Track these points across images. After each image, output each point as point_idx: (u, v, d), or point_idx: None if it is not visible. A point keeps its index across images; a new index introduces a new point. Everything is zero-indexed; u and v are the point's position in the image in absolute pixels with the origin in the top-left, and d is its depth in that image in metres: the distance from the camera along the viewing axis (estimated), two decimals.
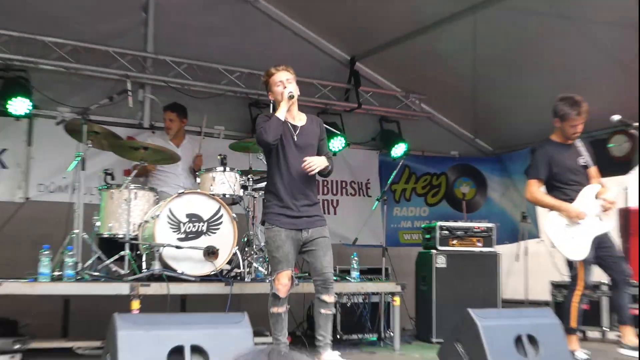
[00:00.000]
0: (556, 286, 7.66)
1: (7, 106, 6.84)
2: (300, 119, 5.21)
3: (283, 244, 4.96)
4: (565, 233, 5.66)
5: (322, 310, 5.09)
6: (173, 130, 7.20)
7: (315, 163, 4.94)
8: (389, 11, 7.65)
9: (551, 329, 4.43)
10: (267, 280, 5.98)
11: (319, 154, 5.15)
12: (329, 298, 5.10)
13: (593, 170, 5.87)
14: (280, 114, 4.98)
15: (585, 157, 5.87)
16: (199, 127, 7.47)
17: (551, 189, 5.87)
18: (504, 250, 8.21)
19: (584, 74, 7.27)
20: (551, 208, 5.81)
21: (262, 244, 6.44)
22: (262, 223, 5.25)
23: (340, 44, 8.80)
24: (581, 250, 5.60)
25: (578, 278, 5.69)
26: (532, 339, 4.30)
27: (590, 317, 7.43)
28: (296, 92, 5.10)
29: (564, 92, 5.90)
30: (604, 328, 7.45)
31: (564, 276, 6.59)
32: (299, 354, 1.03)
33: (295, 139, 5.06)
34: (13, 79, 7.04)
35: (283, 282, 4.94)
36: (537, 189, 5.86)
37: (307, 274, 5.69)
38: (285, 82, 5.07)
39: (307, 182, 5.13)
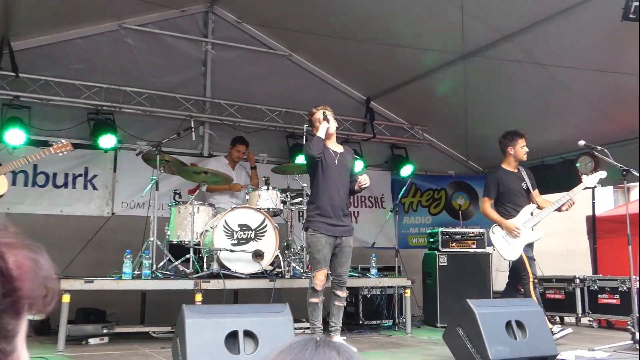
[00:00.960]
0: (539, 280, 7.56)
1: (98, 141, 6.92)
2: (339, 148, 5.30)
3: (323, 247, 4.97)
4: (504, 240, 5.85)
5: (336, 303, 5.18)
6: (241, 159, 7.23)
7: (368, 181, 5.12)
8: (397, 61, 7.66)
9: (535, 316, 4.39)
10: (304, 277, 6.01)
11: (351, 175, 5.31)
12: (342, 294, 5.19)
13: (534, 192, 6.04)
14: (320, 132, 5.07)
15: (527, 182, 6.02)
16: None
17: (498, 206, 6.04)
18: (494, 251, 8.14)
19: (553, 108, 7.22)
20: (494, 221, 5.98)
21: (299, 247, 6.46)
22: (306, 229, 5.27)
23: (358, 88, 8.82)
24: (514, 253, 5.82)
25: (527, 271, 5.76)
26: (519, 324, 4.26)
27: (567, 305, 7.37)
28: (333, 122, 5.21)
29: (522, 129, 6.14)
30: (578, 314, 7.32)
31: (545, 271, 6.60)
32: (344, 343, 1.00)
33: (336, 163, 5.13)
34: (102, 120, 7.11)
35: (320, 279, 4.95)
36: (487, 206, 6.04)
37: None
38: (322, 109, 5.23)
39: (344, 198, 5.20)
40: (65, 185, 7.12)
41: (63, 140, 5.41)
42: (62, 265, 6.06)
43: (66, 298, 4.94)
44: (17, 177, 6.85)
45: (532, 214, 5.90)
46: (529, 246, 5.87)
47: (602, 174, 5.70)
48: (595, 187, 6.14)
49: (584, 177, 5.76)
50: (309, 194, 5.43)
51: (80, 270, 5.93)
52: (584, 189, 5.86)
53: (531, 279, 5.69)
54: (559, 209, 5.81)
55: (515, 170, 6.09)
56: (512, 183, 5.99)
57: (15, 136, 6.28)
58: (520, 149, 6.00)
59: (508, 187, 5.97)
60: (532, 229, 5.87)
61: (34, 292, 0.67)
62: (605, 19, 5.22)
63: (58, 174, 7.10)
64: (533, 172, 6.28)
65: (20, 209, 6.79)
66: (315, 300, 4.98)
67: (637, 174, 5.40)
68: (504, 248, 5.87)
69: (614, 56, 6.05)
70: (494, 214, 6.01)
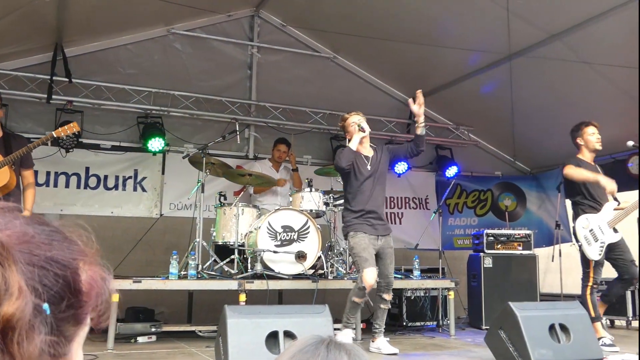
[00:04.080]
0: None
1: (147, 145, 7.03)
2: (370, 152, 5.28)
3: (367, 246, 4.99)
4: (589, 237, 5.48)
5: (382, 305, 5.19)
6: (282, 158, 7.28)
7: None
8: (440, 62, 7.63)
9: (580, 319, 4.30)
10: (346, 278, 6.02)
11: (401, 150, 5.59)
12: (388, 297, 5.20)
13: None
14: (353, 144, 5.08)
15: None
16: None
17: (575, 198, 5.67)
18: (541, 253, 8.01)
19: (602, 107, 7.01)
20: (586, 179, 5.51)
21: (342, 249, 6.47)
22: (346, 235, 5.25)
23: (402, 88, 8.78)
24: (597, 253, 5.46)
25: (589, 275, 5.53)
26: (563, 327, 4.18)
27: (617, 308, 7.19)
28: (367, 127, 5.17)
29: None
30: (629, 317, 7.14)
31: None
32: (354, 345, 1.01)
33: (369, 168, 5.14)
34: (151, 124, 7.24)
35: (370, 276, 4.88)
36: (571, 167, 5.55)
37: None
38: (357, 122, 5.16)
39: (380, 204, 5.22)
40: (116, 187, 7.29)
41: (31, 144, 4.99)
42: (112, 265, 6.12)
43: (115, 297, 5.00)
44: (70, 180, 7.08)
45: (615, 209, 5.53)
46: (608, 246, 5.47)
47: None
48: None
49: None
50: (346, 200, 5.36)
51: (130, 269, 6.07)
52: None
53: (590, 284, 5.50)
54: None
55: (592, 164, 5.70)
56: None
57: (68, 140, 6.45)
58: (590, 137, 5.63)
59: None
60: (615, 230, 5.49)
61: (96, 308, 0.70)
62: None
63: (109, 177, 7.28)
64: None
65: (73, 210, 6.99)
66: (359, 300, 4.97)
67: None
68: (588, 246, 5.49)
69: None
70: (584, 171, 5.49)
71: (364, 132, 5.12)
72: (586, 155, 5.70)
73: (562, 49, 6.42)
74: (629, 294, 7.15)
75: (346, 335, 4.89)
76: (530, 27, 6.21)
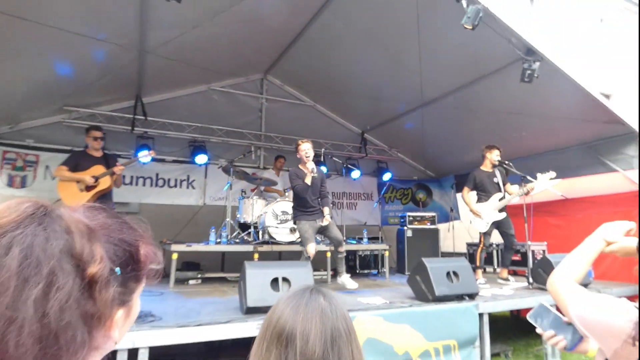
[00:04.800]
0: (469, 245, 7.48)
1: (195, 159, 7.03)
2: (310, 170, 4.83)
3: (308, 229, 4.81)
4: (479, 218, 5.52)
5: (339, 255, 5.02)
6: (282, 167, 7.19)
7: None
8: (381, 108, 7.63)
9: (465, 268, 4.32)
10: (321, 243, 5.97)
11: (324, 184, 4.98)
12: (342, 249, 5.00)
13: (507, 186, 5.60)
14: (307, 180, 4.77)
15: (497, 178, 5.64)
16: (287, 168, 7.50)
17: (477, 194, 5.65)
18: (442, 227, 8.05)
19: (479, 138, 6.83)
20: (467, 206, 5.63)
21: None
22: (294, 222, 4.98)
23: (357, 124, 8.80)
24: (484, 227, 5.51)
25: (480, 241, 5.58)
26: (455, 273, 4.21)
27: (488, 260, 7.28)
28: (311, 156, 4.76)
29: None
30: (494, 267, 7.23)
31: (474, 239, 6.46)
32: (329, 290, 0.99)
33: (309, 182, 4.82)
34: (198, 146, 7.20)
35: (311, 252, 4.74)
36: (466, 194, 5.62)
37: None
38: (307, 151, 4.75)
39: (315, 199, 4.96)
40: (175, 186, 7.22)
41: (120, 164, 4.98)
42: (172, 235, 6.19)
43: (175, 256, 5.02)
44: (146, 181, 7.00)
45: (500, 199, 5.47)
46: (495, 223, 5.47)
47: (552, 174, 5.12)
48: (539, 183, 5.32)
49: (538, 175, 5.13)
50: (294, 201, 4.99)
51: (184, 238, 6.03)
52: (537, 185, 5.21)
53: (481, 246, 5.53)
54: (525, 194, 5.25)
55: (490, 170, 5.62)
56: (484, 179, 5.56)
57: (144, 156, 6.41)
58: (493, 156, 5.61)
59: (482, 181, 5.55)
60: (499, 211, 5.46)
61: (149, 271, 0.71)
62: (512, 81, 5.14)
63: (171, 179, 7.21)
64: (457, 179, 5.97)
65: (148, 200, 6.92)
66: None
67: (535, 180, 5.21)
68: (478, 223, 5.51)
69: (516, 104, 5.98)
70: (469, 201, 5.55)
71: (314, 173, 4.76)
72: (487, 167, 5.69)
73: (452, 101, 6.49)
74: (494, 252, 7.22)
75: (346, 276, 4.86)
76: (433, 87, 6.25)
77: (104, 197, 4.85)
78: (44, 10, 4.07)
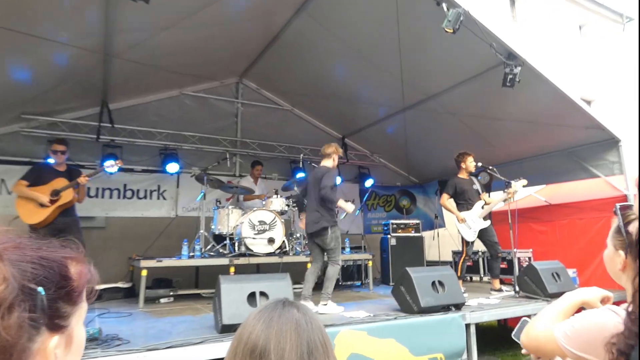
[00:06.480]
0: (455, 253, 7.57)
1: (166, 168, 6.93)
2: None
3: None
4: (467, 227, 5.58)
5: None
6: (258, 175, 7.11)
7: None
8: (361, 112, 7.69)
9: (450, 277, 4.37)
10: (301, 254, 5.95)
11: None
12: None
13: (483, 194, 5.74)
14: (343, 205, 4.71)
15: (477, 185, 5.76)
16: (264, 175, 7.61)
17: (458, 202, 5.72)
18: (426, 235, 8.13)
19: (460, 142, 6.93)
20: (450, 211, 5.69)
21: (298, 234, 6.38)
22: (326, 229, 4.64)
23: (337, 129, 8.84)
24: (472, 236, 5.57)
25: (463, 250, 5.64)
26: (440, 283, 4.25)
27: (474, 269, 7.39)
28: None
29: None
30: (481, 275, 7.34)
31: (459, 247, 6.53)
32: (303, 304, 0.99)
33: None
34: (169, 154, 7.11)
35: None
36: (446, 199, 5.70)
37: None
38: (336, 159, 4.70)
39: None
40: (145, 197, 7.10)
41: (85, 175, 4.89)
42: (142, 250, 6.06)
43: (144, 272, 4.89)
44: (113, 192, 6.85)
45: (482, 207, 5.58)
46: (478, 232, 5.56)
47: (524, 181, 5.31)
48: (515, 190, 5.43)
49: (512, 182, 5.29)
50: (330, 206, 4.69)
51: (155, 253, 5.91)
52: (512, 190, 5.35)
53: (464, 257, 5.59)
54: (504, 201, 5.45)
55: (467, 178, 5.74)
56: (466, 185, 5.65)
57: (111, 166, 6.29)
58: (470, 163, 5.68)
59: (463, 188, 5.62)
60: (483, 219, 5.57)
61: (83, 289, 0.67)
62: (493, 85, 5.23)
63: (140, 190, 7.08)
64: (441, 185, 6.01)
65: (115, 213, 6.77)
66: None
67: (524, 184, 5.32)
68: (466, 232, 5.56)
69: (498, 108, 6.11)
70: (452, 206, 5.61)
71: (351, 210, 4.66)
72: (463, 174, 5.78)
73: (434, 105, 6.58)
74: (480, 260, 7.33)
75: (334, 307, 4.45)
76: (415, 91, 6.32)
77: (67, 212, 4.72)
78: None
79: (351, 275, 7.05)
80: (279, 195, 6.33)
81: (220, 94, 7.82)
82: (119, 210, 6.82)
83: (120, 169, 6.49)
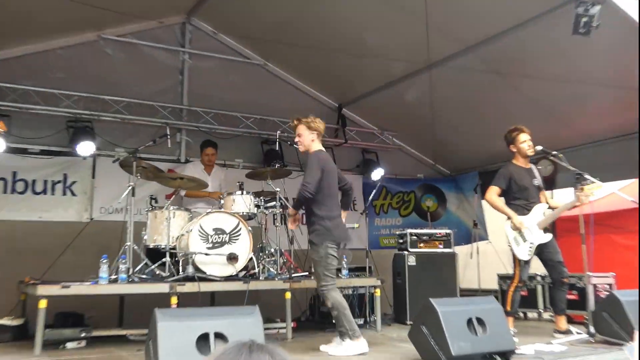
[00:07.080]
0: (502, 277, 7.62)
1: (77, 149, 6.88)
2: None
3: None
4: (518, 237, 5.58)
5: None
6: (212, 161, 7.14)
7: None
8: (366, 70, 7.70)
9: (495, 313, 4.36)
10: (277, 279, 5.95)
11: None
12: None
13: (543, 195, 5.72)
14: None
15: (538, 180, 5.75)
16: (223, 160, 7.67)
17: (508, 202, 5.69)
18: (460, 250, 8.18)
19: (513, 115, 7.04)
20: (502, 212, 5.67)
21: (273, 249, 6.38)
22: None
23: (330, 95, 8.85)
24: (527, 253, 5.55)
25: (515, 274, 5.65)
26: (480, 321, 4.23)
27: (529, 301, 7.43)
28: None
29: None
30: (539, 310, 7.40)
31: (509, 270, 6.55)
32: (276, 346, 0.98)
33: None
34: (81, 128, 7.06)
35: None
36: (494, 194, 5.67)
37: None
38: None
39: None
40: (45, 191, 7.05)
41: None
42: (40, 271, 5.96)
43: (43, 303, 4.79)
44: None
45: (544, 214, 5.59)
46: (537, 247, 5.55)
47: (600, 184, 5.23)
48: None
49: (588, 177, 5.20)
50: None
51: (59, 274, 5.79)
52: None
53: (516, 283, 5.61)
54: (573, 207, 5.42)
55: (526, 167, 5.75)
56: (523, 178, 5.64)
57: None
58: (522, 144, 5.67)
59: (519, 182, 5.62)
60: (544, 231, 5.55)
61: None
62: (562, 32, 5.24)
63: (37, 181, 7.02)
64: (483, 178, 5.99)
65: None
66: None
67: (590, 178, 5.32)
68: (520, 248, 5.56)
69: (570, 67, 6.13)
70: (502, 204, 5.65)
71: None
72: (520, 161, 5.77)
73: (476, 60, 6.58)
74: (539, 288, 7.39)
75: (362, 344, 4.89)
76: (447, 38, 6.32)
77: None
78: None
79: (351, 310, 7.03)
80: (244, 191, 6.28)
81: (158, 39, 7.75)
82: (5, 210, 6.75)
83: (7, 149, 6.38)
